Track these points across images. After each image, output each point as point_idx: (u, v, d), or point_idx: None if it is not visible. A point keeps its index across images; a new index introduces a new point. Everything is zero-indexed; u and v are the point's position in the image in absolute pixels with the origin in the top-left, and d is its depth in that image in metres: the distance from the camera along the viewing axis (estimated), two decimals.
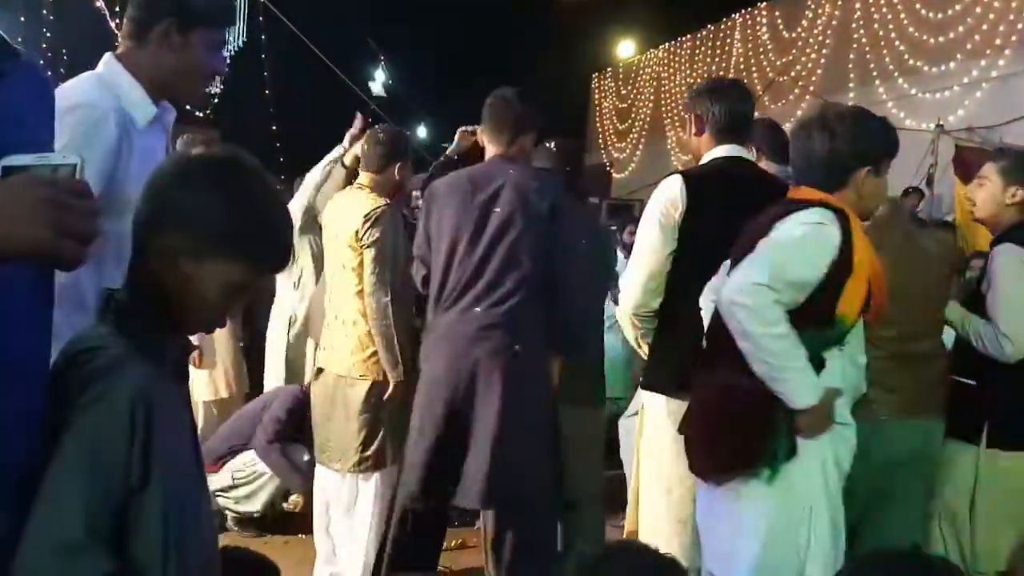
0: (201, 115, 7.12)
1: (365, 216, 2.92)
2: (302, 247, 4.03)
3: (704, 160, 2.53)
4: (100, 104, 1.74)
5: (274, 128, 8.47)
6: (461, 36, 12.21)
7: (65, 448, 1.06)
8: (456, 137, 3.61)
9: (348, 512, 3.08)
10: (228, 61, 1.85)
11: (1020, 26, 7.59)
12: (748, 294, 1.82)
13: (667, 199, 2.44)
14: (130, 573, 1.07)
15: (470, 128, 3.46)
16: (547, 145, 3.11)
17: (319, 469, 3.17)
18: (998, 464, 2.49)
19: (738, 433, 1.92)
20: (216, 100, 7.54)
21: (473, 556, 3.28)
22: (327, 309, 3.16)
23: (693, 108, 2.55)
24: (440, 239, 2.61)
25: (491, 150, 2.72)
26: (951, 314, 2.61)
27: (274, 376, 4.20)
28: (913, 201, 7.21)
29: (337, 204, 3.17)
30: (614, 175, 13.09)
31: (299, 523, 3.68)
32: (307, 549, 3.27)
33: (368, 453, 3.00)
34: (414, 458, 2.58)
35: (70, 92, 1.74)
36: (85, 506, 1.03)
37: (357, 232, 2.92)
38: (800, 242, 1.88)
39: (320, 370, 3.15)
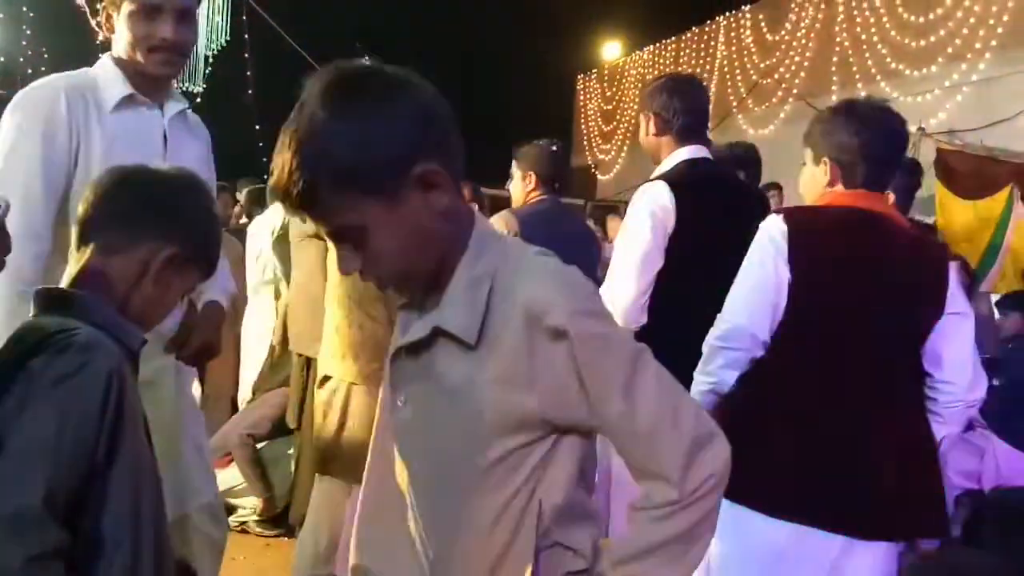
0: None
1: None
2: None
3: (670, 163, 2.47)
4: (52, 84, 1.85)
5: (258, 128, 8.44)
6: (447, 37, 12.20)
7: (37, 416, 1.06)
8: None
9: None
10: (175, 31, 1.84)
11: (1000, 30, 7.66)
12: None
13: (659, 208, 2.35)
14: (96, 547, 1.09)
15: None
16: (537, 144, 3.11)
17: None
18: None
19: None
20: (199, 100, 7.49)
21: None
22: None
23: (651, 107, 2.48)
24: None
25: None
26: None
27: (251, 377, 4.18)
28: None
29: None
30: (599, 177, 13.11)
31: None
32: None
33: None
34: None
35: None
36: (47, 478, 1.03)
37: None
38: None
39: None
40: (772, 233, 1.91)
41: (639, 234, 2.36)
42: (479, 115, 9.65)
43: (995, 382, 3.81)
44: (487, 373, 1.03)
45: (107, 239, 1.27)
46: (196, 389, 3.72)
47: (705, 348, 1.95)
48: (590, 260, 3.18)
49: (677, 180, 2.41)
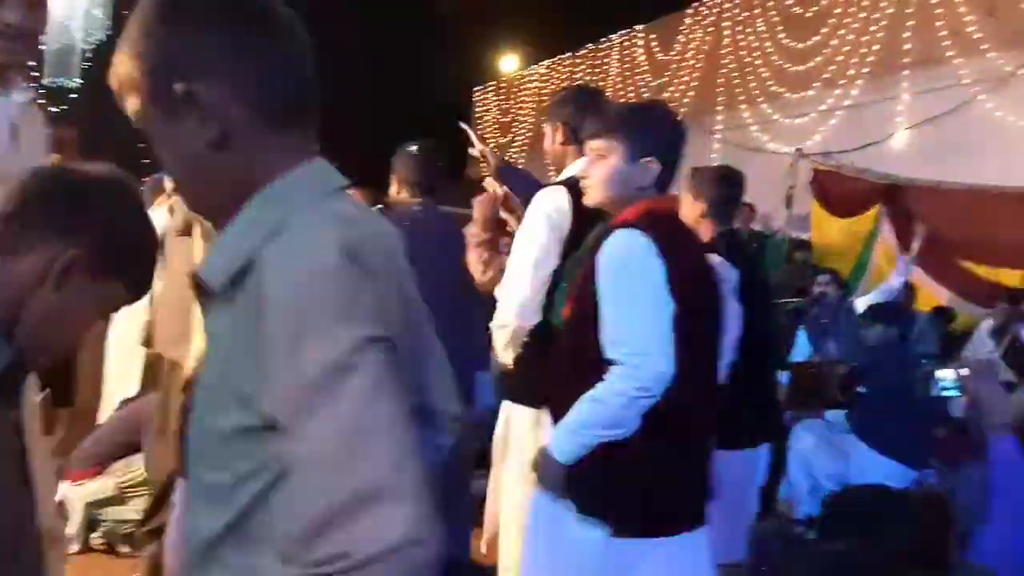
0: (56, 111, 6.70)
1: None
2: None
3: (572, 171, 2.49)
4: None
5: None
6: (344, 50, 12.03)
7: None
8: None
9: None
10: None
11: (871, 58, 8.13)
12: None
13: (557, 211, 2.35)
14: None
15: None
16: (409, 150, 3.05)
17: None
18: None
19: None
20: (76, 96, 7.13)
21: None
22: None
23: (559, 117, 2.53)
24: None
25: None
26: None
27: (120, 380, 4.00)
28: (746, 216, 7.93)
29: None
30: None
31: None
32: None
33: None
34: None
35: None
36: None
37: None
38: None
39: None
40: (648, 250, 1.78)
41: (535, 235, 2.36)
42: (378, 125, 9.56)
43: (861, 389, 4.02)
44: (221, 329, 0.91)
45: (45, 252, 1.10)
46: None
47: (616, 398, 1.73)
48: (453, 264, 3.15)
49: (576, 185, 2.39)
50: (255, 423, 0.85)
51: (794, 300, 5.76)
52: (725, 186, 2.86)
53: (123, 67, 0.92)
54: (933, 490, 3.08)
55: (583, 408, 1.77)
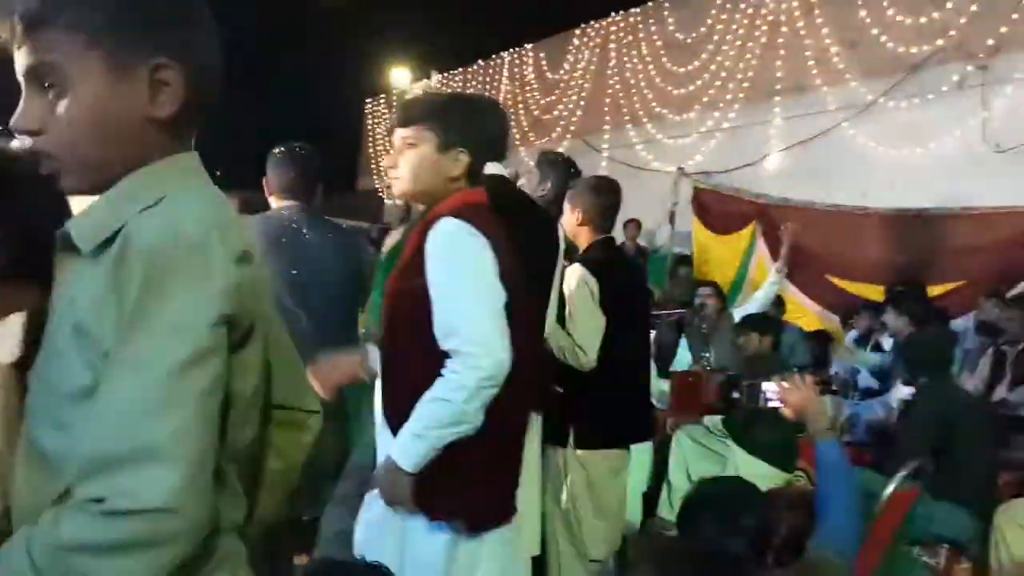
0: None
1: None
2: None
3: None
4: None
5: None
6: (232, 53, 11.75)
7: None
8: None
9: None
10: None
11: (746, 84, 8.59)
12: None
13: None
14: None
15: None
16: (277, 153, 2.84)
17: None
18: (577, 459, 2.76)
19: None
20: None
21: None
22: None
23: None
24: None
25: None
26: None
27: None
28: (632, 232, 8.59)
29: None
30: (386, 200, 13.12)
31: None
32: None
33: None
34: None
35: None
36: None
37: None
38: None
39: None
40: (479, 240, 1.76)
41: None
42: (264, 132, 9.35)
43: (736, 396, 4.23)
44: (79, 290, 0.92)
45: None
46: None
47: (459, 392, 1.67)
48: (317, 269, 2.76)
49: (499, 200, 2.23)
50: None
51: (676, 311, 6.00)
52: (599, 195, 2.95)
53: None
54: (801, 490, 3.29)
55: (426, 410, 1.70)
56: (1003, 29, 6.71)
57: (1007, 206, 6.12)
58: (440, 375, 1.70)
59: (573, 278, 2.78)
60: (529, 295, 2.16)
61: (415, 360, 1.75)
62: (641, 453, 3.92)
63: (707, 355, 4.95)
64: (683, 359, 5.22)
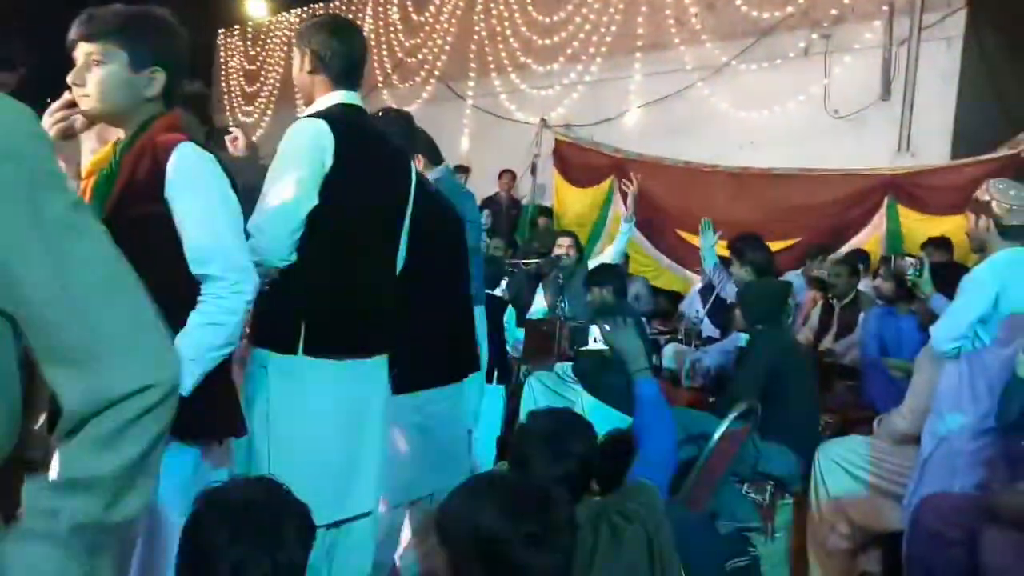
0: None
1: None
2: None
3: (323, 104, 2.30)
4: None
5: None
6: None
7: None
8: None
9: None
10: None
11: (608, 39, 8.69)
12: None
13: (316, 145, 2.17)
14: None
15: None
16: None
17: None
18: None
19: None
20: None
21: None
22: None
23: (308, 44, 2.31)
24: None
25: None
26: None
27: None
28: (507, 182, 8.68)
29: None
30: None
31: None
32: None
33: None
34: None
35: None
36: None
37: None
38: None
39: None
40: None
41: (289, 168, 2.17)
42: None
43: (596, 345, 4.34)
44: None
45: None
46: None
47: (231, 316, 1.82)
48: None
49: (337, 119, 2.24)
50: None
51: (534, 261, 6.09)
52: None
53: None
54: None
55: (198, 334, 1.77)
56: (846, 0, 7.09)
57: (843, 168, 6.54)
58: (198, 300, 1.80)
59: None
60: (374, 228, 2.29)
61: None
62: (495, 398, 3.99)
63: (562, 304, 5.05)
64: (539, 308, 5.31)
